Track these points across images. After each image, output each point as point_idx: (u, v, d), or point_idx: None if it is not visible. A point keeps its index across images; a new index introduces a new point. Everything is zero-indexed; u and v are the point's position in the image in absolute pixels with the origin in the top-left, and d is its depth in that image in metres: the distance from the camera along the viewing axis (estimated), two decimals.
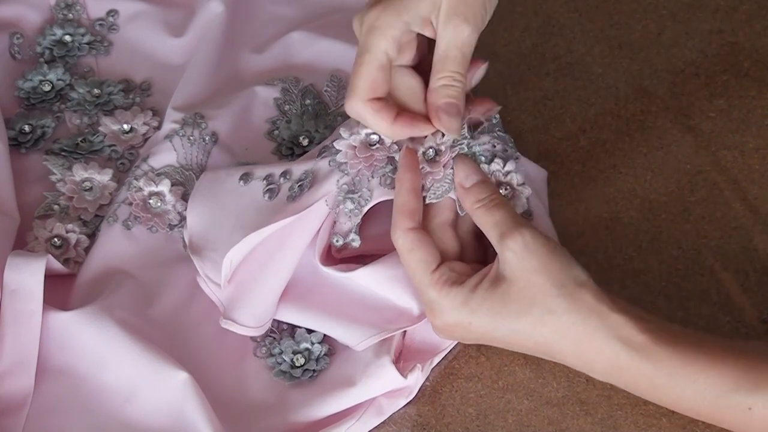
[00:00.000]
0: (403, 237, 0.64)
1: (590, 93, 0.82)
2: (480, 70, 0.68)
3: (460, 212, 0.66)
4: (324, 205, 0.68)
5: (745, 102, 0.80)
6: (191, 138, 0.78)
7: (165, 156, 0.77)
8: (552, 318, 0.60)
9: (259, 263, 0.69)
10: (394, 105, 0.65)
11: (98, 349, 0.68)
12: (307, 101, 0.82)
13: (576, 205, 0.76)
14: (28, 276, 0.68)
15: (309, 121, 0.80)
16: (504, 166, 0.67)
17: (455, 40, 0.63)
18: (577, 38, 0.85)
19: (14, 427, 0.66)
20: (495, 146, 0.67)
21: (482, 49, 0.85)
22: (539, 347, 0.62)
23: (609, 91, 0.82)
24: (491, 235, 0.63)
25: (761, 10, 0.85)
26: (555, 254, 0.62)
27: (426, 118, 0.65)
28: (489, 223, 0.63)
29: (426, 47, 0.67)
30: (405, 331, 0.69)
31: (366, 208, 0.67)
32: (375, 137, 0.68)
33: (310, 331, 0.70)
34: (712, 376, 0.59)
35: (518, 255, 0.61)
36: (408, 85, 0.66)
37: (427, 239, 0.64)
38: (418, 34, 0.65)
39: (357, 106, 0.64)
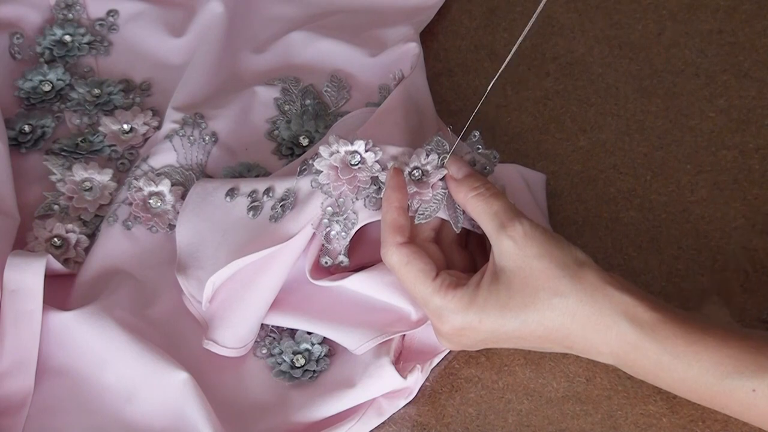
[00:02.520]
0: (397, 252, 0.64)
1: (590, 93, 0.82)
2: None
3: (455, 229, 0.66)
4: (308, 230, 0.67)
5: (745, 102, 0.80)
6: (191, 138, 0.78)
7: (165, 156, 0.77)
8: (560, 300, 0.60)
9: (241, 285, 0.68)
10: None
11: (98, 349, 0.68)
12: (307, 101, 0.82)
13: (576, 205, 0.76)
14: (29, 276, 0.68)
15: (309, 121, 0.80)
16: None
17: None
18: (577, 38, 0.85)
19: (14, 427, 0.66)
20: (476, 163, 0.67)
21: (482, 49, 0.85)
22: (549, 334, 0.62)
23: (609, 91, 0.82)
24: (488, 226, 0.63)
25: (761, 10, 0.85)
26: (553, 239, 0.62)
27: None
28: (487, 213, 0.63)
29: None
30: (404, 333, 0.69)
31: (353, 231, 0.67)
32: (356, 157, 0.68)
33: (310, 332, 0.70)
34: (717, 357, 0.59)
35: (519, 243, 0.61)
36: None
37: (420, 251, 0.64)
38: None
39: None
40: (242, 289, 0.68)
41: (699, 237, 0.73)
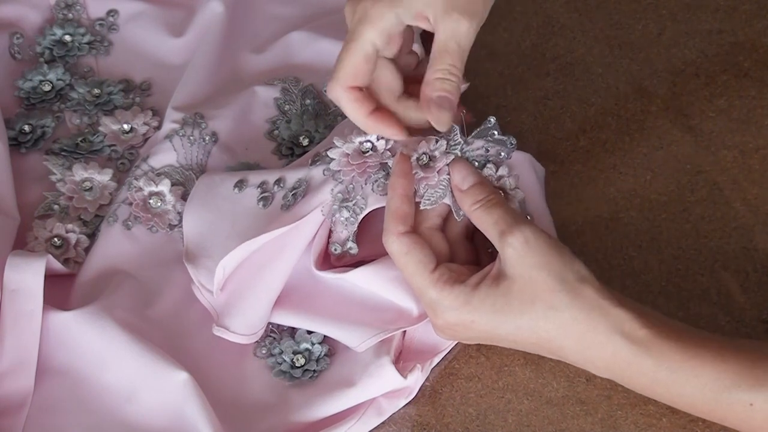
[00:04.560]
0: (397, 241, 0.64)
1: (590, 93, 0.82)
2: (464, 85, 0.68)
3: (457, 218, 0.66)
4: (319, 213, 0.68)
5: (745, 102, 0.80)
6: (191, 138, 0.79)
7: (165, 156, 0.78)
8: (554, 314, 0.60)
9: (252, 271, 0.69)
10: (372, 98, 0.66)
11: (98, 349, 0.68)
12: (307, 101, 0.82)
13: (576, 205, 0.76)
14: (29, 276, 0.68)
15: (309, 121, 0.80)
16: (497, 171, 0.67)
17: (454, 33, 0.63)
18: (577, 38, 0.85)
19: (14, 427, 0.66)
20: (488, 150, 0.67)
21: (482, 49, 0.85)
22: (542, 343, 0.62)
23: (609, 91, 0.82)
24: (491, 234, 0.63)
25: (761, 10, 0.85)
26: (556, 250, 0.62)
27: (398, 123, 0.66)
28: (488, 223, 0.63)
29: (411, 41, 0.69)
30: (405, 332, 0.69)
31: (361, 216, 0.67)
32: (368, 144, 0.68)
33: (310, 332, 0.70)
34: (713, 372, 0.59)
35: (519, 251, 0.61)
36: (386, 80, 0.67)
37: (421, 241, 0.64)
38: (407, 28, 0.65)
39: (337, 91, 0.65)
40: (253, 277, 0.68)
41: (699, 237, 0.73)
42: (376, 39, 0.64)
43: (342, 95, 0.65)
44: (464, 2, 0.63)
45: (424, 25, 0.64)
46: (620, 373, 0.61)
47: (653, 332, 0.59)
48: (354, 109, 0.65)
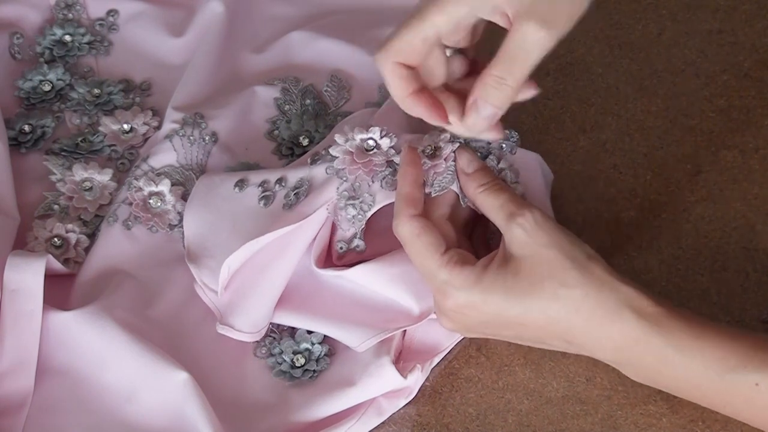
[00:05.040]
0: (408, 224, 0.64)
1: (590, 93, 0.82)
2: (530, 91, 0.64)
3: (462, 203, 0.66)
4: (324, 212, 0.68)
5: (745, 102, 0.80)
6: (191, 138, 0.79)
7: (165, 156, 0.78)
8: (565, 291, 0.61)
9: (256, 270, 0.69)
10: (419, 78, 0.63)
11: (98, 349, 0.68)
12: (307, 101, 0.82)
13: (576, 205, 0.76)
14: (29, 276, 0.68)
15: (309, 121, 0.80)
16: (498, 163, 0.67)
17: (528, 41, 0.59)
18: (577, 38, 0.85)
19: (14, 427, 0.66)
20: (490, 143, 0.67)
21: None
22: (549, 326, 0.62)
23: (609, 91, 0.82)
24: (497, 217, 0.63)
25: (761, 10, 0.85)
26: (563, 231, 0.62)
27: (442, 107, 0.63)
28: (494, 206, 0.63)
29: (481, 32, 0.65)
30: (405, 332, 0.69)
31: (370, 213, 0.67)
32: (371, 142, 0.68)
33: (310, 332, 0.70)
34: (720, 351, 0.59)
35: (528, 231, 0.61)
36: (435, 63, 0.63)
37: (432, 225, 0.64)
38: (483, 21, 0.62)
39: (384, 62, 0.62)
40: (257, 275, 0.68)
41: (699, 237, 0.73)
42: (442, 26, 0.60)
43: (388, 68, 0.62)
44: (548, 11, 0.59)
45: (501, 22, 0.60)
46: (628, 353, 0.61)
47: (664, 310, 0.60)
48: (397, 86, 0.62)
